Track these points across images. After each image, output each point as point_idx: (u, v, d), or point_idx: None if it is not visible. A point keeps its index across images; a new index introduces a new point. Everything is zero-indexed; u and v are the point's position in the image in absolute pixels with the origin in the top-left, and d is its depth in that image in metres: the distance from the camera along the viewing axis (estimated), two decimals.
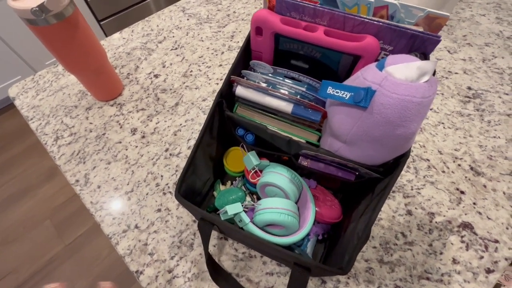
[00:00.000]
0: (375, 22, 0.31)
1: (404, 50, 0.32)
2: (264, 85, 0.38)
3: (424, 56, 0.31)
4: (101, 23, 1.64)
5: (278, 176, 0.38)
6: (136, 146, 0.56)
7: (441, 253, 0.45)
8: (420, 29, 0.31)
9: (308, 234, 0.41)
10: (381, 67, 0.28)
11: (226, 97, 0.40)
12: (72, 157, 0.56)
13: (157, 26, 0.79)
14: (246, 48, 0.38)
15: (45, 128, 0.60)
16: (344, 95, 0.29)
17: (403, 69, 0.26)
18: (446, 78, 0.66)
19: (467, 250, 0.45)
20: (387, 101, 0.26)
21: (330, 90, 0.30)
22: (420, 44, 0.30)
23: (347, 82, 0.31)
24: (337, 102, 0.31)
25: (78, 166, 0.54)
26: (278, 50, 0.39)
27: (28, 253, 1.24)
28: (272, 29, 0.33)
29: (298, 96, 0.37)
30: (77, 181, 0.53)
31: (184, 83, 0.66)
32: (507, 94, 0.63)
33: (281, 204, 0.36)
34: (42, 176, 1.45)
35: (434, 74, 0.30)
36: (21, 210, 1.36)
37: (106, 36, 1.69)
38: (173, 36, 0.76)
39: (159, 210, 0.49)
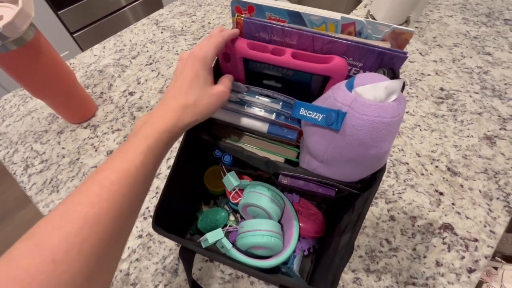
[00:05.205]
0: (343, 41, 0.31)
1: (374, 66, 0.32)
2: (238, 105, 0.37)
3: (393, 72, 0.31)
4: (74, 35, 1.58)
5: (259, 196, 0.38)
6: None
7: (424, 257, 0.45)
8: (388, 45, 0.32)
9: (293, 252, 0.41)
10: (350, 87, 0.28)
11: None
12: (44, 186, 0.53)
13: (130, 41, 0.77)
14: (216, 71, 0.38)
15: (13, 156, 0.57)
16: (316, 117, 0.29)
17: (371, 89, 0.26)
18: (420, 80, 0.68)
19: (449, 251, 0.46)
20: (358, 123, 0.26)
21: (302, 111, 0.30)
22: (388, 61, 0.31)
23: (319, 101, 0.31)
24: (310, 123, 0.30)
25: (51, 196, 0.52)
26: (249, 72, 0.38)
27: None
28: (239, 54, 0.32)
29: (274, 114, 0.37)
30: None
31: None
32: (476, 93, 0.65)
33: (263, 225, 0.36)
34: (19, 200, 1.37)
35: (402, 90, 0.30)
36: None
37: (81, 48, 1.64)
38: (147, 51, 0.74)
39: (140, 237, 0.47)
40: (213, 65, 0.32)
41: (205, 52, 0.30)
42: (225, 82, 0.32)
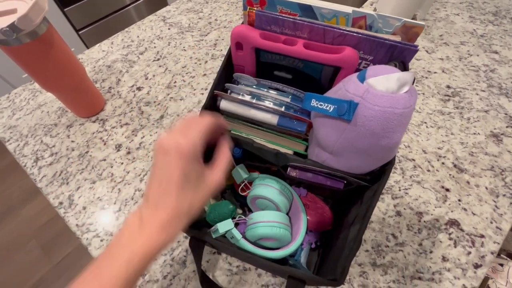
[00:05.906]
0: (354, 34, 0.31)
1: (384, 59, 0.32)
2: (248, 97, 0.38)
3: (403, 65, 0.32)
4: (80, 32, 1.59)
5: (268, 188, 0.38)
6: (122, 163, 0.55)
7: (431, 252, 0.46)
8: (398, 38, 0.32)
9: (301, 244, 0.41)
10: (362, 79, 0.28)
11: (211, 110, 0.39)
12: (54, 178, 0.53)
13: (138, 37, 0.78)
14: (227, 61, 0.38)
15: (24, 149, 0.57)
16: (327, 108, 0.29)
17: (384, 81, 0.26)
18: (426, 77, 0.68)
19: (455, 247, 0.46)
20: (370, 113, 0.26)
21: (314, 103, 0.30)
22: (398, 54, 0.31)
23: (330, 93, 0.31)
24: (321, 114, 0.31)
25: (61, 188, 0.52)
26: (260, 62, 0.39)
27: (13, 276, 1.19)
28: (252, 44, 0.33)
29: (283, 107, 0.37)
30: (61, 203, 0.51)
31: (169, 94, 0.65)
32: (483, 91, 0.65)
33: (272, 217, 0.36)
34: (24, 195, 1.39)
35: (413, 83, 0.30)
36: (3, 232, 1.30)
37: (86, 46, 1.65)
38: (155, 47, 0.75)
39: None
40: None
41: (194, 144, 0.26)
42: (222, 164, 0.29)
